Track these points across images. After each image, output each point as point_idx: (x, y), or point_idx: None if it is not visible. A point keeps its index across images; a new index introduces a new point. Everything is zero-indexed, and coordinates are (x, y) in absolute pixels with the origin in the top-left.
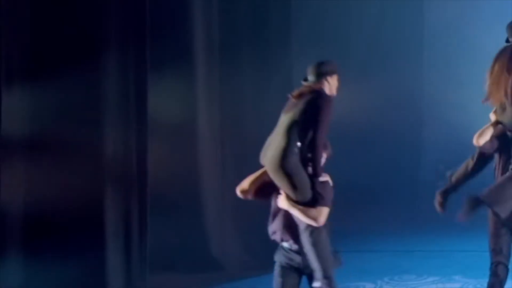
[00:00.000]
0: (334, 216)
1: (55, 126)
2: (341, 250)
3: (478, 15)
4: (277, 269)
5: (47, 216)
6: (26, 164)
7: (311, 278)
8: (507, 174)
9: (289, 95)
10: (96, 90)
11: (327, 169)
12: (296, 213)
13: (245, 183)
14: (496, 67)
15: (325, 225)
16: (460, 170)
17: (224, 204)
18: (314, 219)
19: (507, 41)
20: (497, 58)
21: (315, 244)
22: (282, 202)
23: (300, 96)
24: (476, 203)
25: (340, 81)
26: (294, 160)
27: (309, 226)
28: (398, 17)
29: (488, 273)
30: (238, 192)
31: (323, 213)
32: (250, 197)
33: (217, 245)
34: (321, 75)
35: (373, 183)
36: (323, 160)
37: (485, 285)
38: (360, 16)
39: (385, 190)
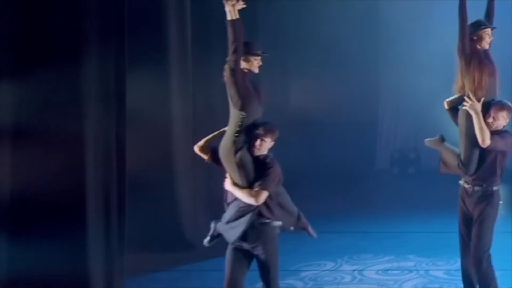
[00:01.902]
0: (298, 200)
1: (40, 118)
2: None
3: (428, 15)
4: (229, 251)
5: (33, 201)
6: (13, 153)
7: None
8: None
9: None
10: (79, 85)
11: (291, 155)
12: (238, 193)
13: (201, 141)
14: None
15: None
16: None
17: (195, 189)
18: (254, 198)
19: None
20: None
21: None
22: (227, 184)
23: None
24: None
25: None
26: (242, 147)
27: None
28: (356, 18)
29: (438, 252)
30: (195, 149)
31: (263, 195)
32: (206, 157)
33: (189, 227)
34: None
35: (333, 170)
36: (266, 143)
37: (438, 263)
38: (320, 17)
39: (344, 176)
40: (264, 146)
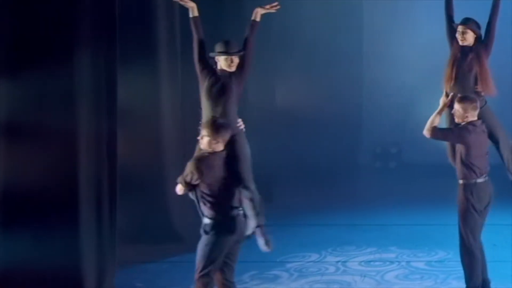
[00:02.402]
0: (284, 193)
1: (33, 114)
2: (288, 224)
3: (412, 13)
4: None
5: (26, 195)
6: (6, 147)
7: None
8: None
9: None
10: (72, 82)
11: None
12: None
13: None
14: None
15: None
16: None
17: None
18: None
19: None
20: None
21: None
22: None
23: None
24: None
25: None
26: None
27: None
28: (340, 16)
29: (419, 244)
30: None
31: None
32: None
33: (178, 220)
34: None
35: (317, 164)
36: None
37: (419, 254)
38: (305, 15)
39: (328, 171)
40: (204, 140)
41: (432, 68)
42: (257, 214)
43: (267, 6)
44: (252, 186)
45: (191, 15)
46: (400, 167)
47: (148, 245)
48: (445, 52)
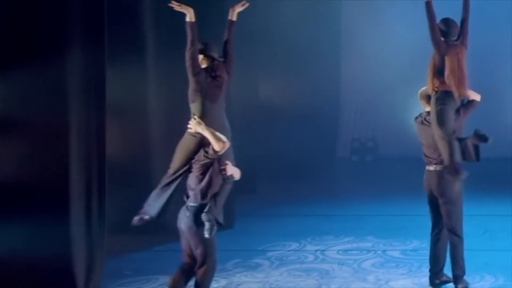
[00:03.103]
0: (265, 186)
1: (26, 109)
2: (270, 215)
3: (387, 13)
4: None
5: (19, 186)
6: (1, 142)
7: None
8: None
9: None
10: (62, 79)
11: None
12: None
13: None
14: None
15: None
16: None
17: None
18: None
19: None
20: None
21: None
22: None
23: None
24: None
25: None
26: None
27: None
28: (318, 15)
29: (394, 233)
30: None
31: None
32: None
33: None
34: None
35: (297, 158)
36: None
37: (394, 244)
38: (285, 15)
39: (307, 164)
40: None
41: (407, 65)
42: None
43: (240, 4)
44: None
45: (188, 20)
46: (376, 160)
47: (135, 235)
48: (419, 50)
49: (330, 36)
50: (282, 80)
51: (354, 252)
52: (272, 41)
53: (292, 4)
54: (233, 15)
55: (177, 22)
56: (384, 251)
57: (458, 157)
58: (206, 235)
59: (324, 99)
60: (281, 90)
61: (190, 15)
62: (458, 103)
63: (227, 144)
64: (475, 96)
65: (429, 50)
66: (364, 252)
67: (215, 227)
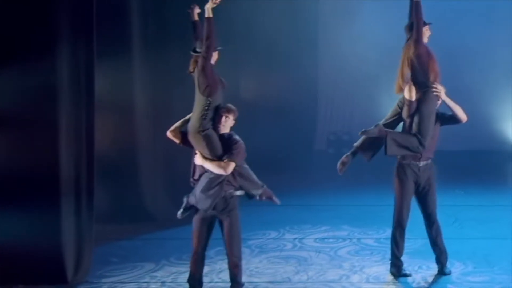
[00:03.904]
0: None
1: (19, 105)
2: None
3: (362, 13)
4: (196, 220)
5: (12, 178)
6: None
7: (221, 224)
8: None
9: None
10: (53, 76)
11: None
12: (209, 165)
13: (172, 127)
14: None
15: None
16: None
17: (155, 167)
18: (223, 168)
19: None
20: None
21: None
22: (197, 159)
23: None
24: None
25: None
26: (208, 128)
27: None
28: (297, 15)
29: (369, 222)
30: (168, 134)
31: (231, 165)
32: (178, 141)
33: (149, 201)
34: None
35: (277, 150)
36: (229, 120)
37: (368, 232)
38: (266, 15)
39: (286, 156)
40: (227, 123)
41: (381, 61)
42: None
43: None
44: None
45: (207, 15)
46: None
47: (122, 224)
48: (392, 48)
49: (308, 34)
50: (262, 77)
51: (331, 240)
52: (253, 39)
53: (271, 4)
54: (209, 12)
55: (164, 21)
56: (359, 239)
57: None
58: (177, 215)
59: (302, 95)
60: (261, 86)
61: (208, 11)
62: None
63: (231, 166)
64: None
65: (400, 47)
66: (340, 240)
67: (182, 210)
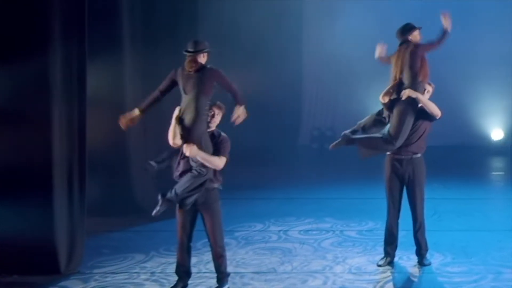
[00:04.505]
0: (232, 171)
1: (14, 101)
2: (237, 198)
3: (344, 11)
4: (179, 213)
5: (7, 171)
6: None
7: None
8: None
9: (188, 71)
10: (47, 73)
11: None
12: (204, 157)
13: (176, 135)
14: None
15: None
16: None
17: (145, 161)
18: (217, 164)
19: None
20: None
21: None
22: (191, 150)
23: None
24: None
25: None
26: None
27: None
28: (282, 15)
29: (351, 215)
30: (177, 143)
31: (223, 161)
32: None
33: (139, 194)
34: (201, 50)
35: (263, 145)
36: (219, 117)
37: (351, 224)
38: (252, 14)
39: (272, 150)
40: (218, 119)
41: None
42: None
43: None
44: None
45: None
46: None
47: (113, 216)
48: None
49: (292, 32)
50: (248, 74)
51: (314, 232)
52: (239, 37)
53: (257, 3)
54: None
55: (152, 20)
56: (341, 231)
57: None
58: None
59: (288, 92)
60: (248, 83)
61: None
62: None
63: (224, 162)
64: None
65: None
66: (324, 232)
67: (158, 209)
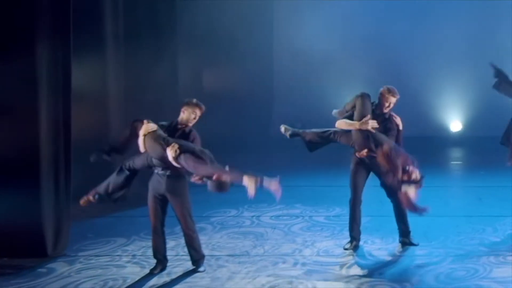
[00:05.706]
0: None
1: (2, 93)
2: None
3: (316, 10)
4: (151, 200)
5: None
6: None
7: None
8: None
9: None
10: (33, 70)
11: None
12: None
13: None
14: None
15: None
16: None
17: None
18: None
19: None
20: None
21: None
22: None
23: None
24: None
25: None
26: None
27: None
28: (254, 15)
29: (319, 201)
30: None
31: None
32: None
33: None
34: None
35: (236, 137)
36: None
37: (319, 210)
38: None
39: (244, 142)
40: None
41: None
42: None
43: None
44: None
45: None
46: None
47: (97, 202)
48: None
49: (264, 30)
50: (223, 70)
51: (285, 217)
52: (214, 36)
53: (230, 4)
54: None
55: (134, 19)
56: (310, 216)
57: None
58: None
59: (259, 86)
60: (223, 78)
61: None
62: None
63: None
64: None
65: (350, 42)
66: (294, 217)
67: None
